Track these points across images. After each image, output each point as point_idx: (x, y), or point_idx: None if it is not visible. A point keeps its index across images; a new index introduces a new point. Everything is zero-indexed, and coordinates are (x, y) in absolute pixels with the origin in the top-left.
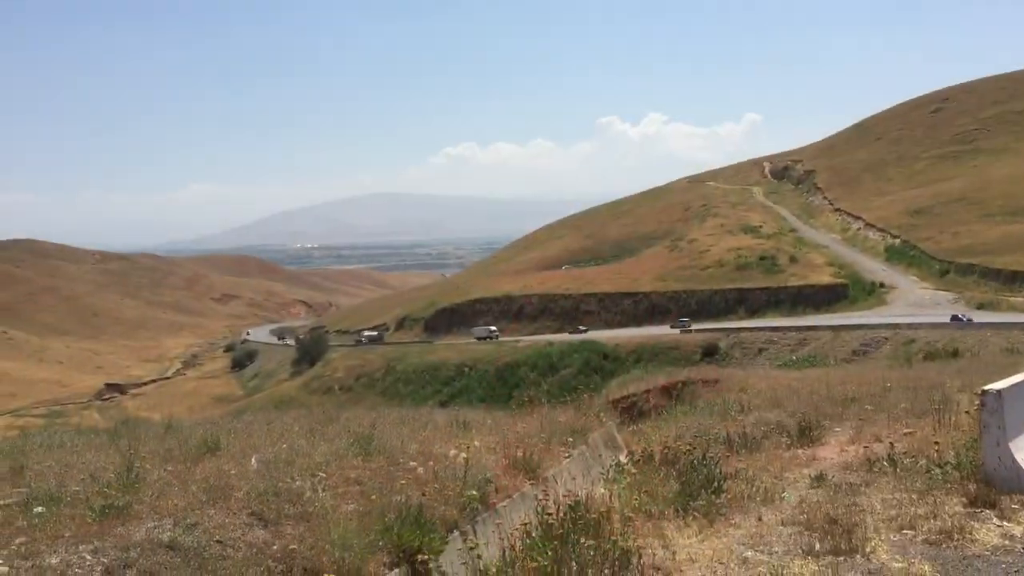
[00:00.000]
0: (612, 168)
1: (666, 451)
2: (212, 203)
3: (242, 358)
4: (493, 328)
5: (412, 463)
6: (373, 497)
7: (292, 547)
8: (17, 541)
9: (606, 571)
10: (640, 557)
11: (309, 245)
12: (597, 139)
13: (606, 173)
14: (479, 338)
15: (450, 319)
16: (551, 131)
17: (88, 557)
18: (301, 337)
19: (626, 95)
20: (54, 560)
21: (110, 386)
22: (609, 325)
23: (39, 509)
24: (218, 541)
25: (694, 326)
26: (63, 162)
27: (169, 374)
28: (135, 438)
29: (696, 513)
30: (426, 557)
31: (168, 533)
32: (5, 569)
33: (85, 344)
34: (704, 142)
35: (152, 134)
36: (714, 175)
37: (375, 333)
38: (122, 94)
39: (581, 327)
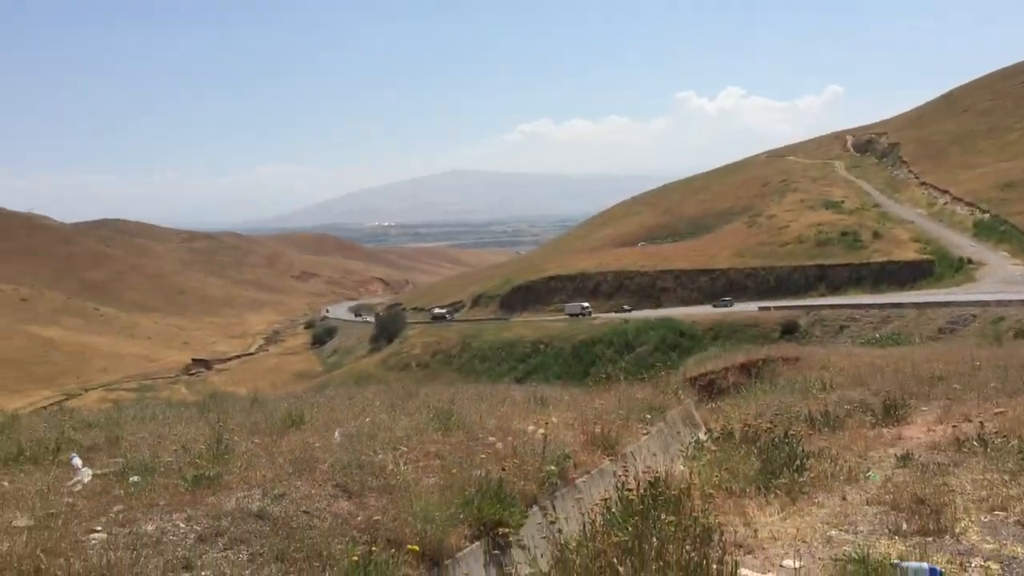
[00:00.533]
0: (688, 144)
1: (746, 429)
2: (287, 183)
3: (322, 335)
4: (586, 304)
5: (491, 438)
6: (454, 471)
7: (376, 518)
8: (115, 509)
9: (687, 547)
10: (722, 534)
11: (386, 223)
12: (673, 115)
13: (682, 149)
14: (571, 315)
15: (525, 296)
16: (626, 107)
17: (182, 525)
18: (379, 314)
19: (703, 69)
20: (150, 527)
21: (196, 361)
22: (686, 303)
23: (135, 478)
24: (305, 511)
25: (772, 304)
26: (143, 144)
27: (252, 350)
28: (223, 412)
29: (778, 491)
30: (507, 530)
31: (257, 503)
32: (104, 535)
33: (172, 320)
34: (783, 116)
35: (228, 117)
36: (793, 149)
37: (443, 311)
38: (199, 78)
39: (626, 307)
